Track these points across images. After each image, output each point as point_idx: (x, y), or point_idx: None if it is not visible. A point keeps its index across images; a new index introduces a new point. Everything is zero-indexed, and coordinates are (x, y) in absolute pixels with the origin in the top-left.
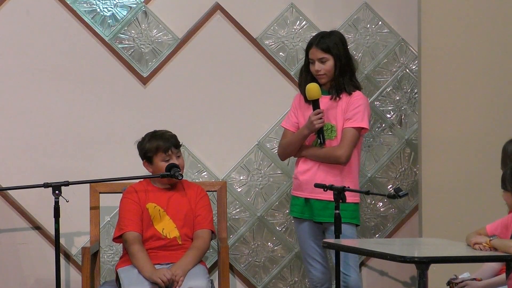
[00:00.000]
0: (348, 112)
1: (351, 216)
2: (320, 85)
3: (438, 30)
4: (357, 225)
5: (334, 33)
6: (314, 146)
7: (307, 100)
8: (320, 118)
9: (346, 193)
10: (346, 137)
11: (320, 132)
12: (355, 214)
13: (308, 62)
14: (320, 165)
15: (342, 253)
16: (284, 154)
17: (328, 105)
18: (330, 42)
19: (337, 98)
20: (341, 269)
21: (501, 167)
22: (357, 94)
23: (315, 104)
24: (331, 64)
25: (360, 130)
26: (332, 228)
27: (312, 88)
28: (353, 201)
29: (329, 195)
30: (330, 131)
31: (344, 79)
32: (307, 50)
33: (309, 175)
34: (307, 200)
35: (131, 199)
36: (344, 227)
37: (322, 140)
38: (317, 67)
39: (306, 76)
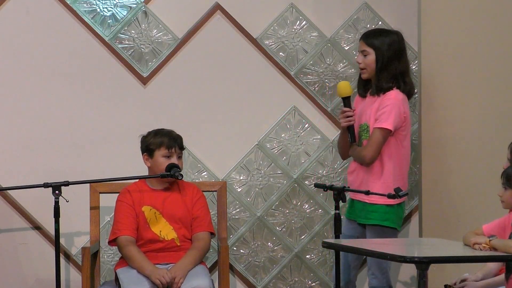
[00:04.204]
0: (377, 112)
1: (382, 218)
2: (365, 84)
3: (438, 30)
4: (392, 228)
5: (387, 31)
6: (355, 145)
7: (361, 96)
8: (347, 117)
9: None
10: (371, 138)
11: (350, 130)
12: (386, 216)
13: None
14: (362, 166)
15: (369, 258)
16: (339, 152)
17: (364, 105)
18: (375, 37)
19: (375, 96)
20: (368, 271)
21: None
22: (389, 93)
23: (345, 102)
24: (372, 59)
25: (385, 130)
26: (370, 230)
27: (342, 86)
28: (384, 202)
29: (369, 197)
30: (366, 131)
31: (382, 76)
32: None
33: (354, 175)
34: (352, 200)
35: (125, 202)
36: (376, 229)
37: (350, 138)
38: (358, 59)
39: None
